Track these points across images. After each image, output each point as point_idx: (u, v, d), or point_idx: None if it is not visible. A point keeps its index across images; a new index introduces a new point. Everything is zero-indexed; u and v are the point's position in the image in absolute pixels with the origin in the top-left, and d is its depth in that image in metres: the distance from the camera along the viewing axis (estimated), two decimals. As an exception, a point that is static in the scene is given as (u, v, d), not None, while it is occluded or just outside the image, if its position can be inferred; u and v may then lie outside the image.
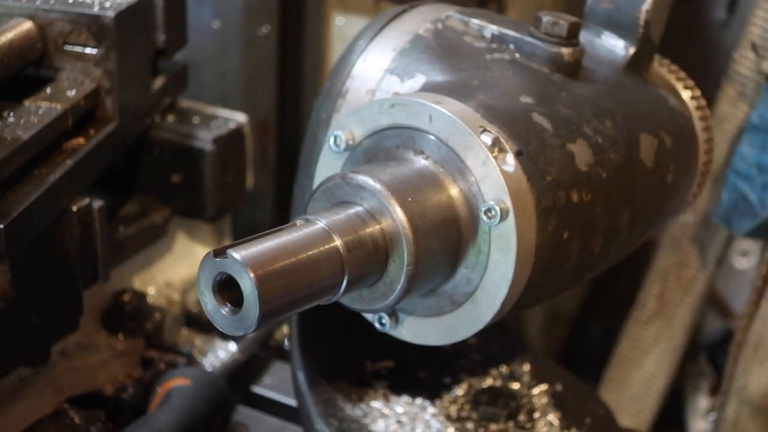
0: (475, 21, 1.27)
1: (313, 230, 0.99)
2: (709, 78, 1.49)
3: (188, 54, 1.68)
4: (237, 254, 0.92)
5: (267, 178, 2.09)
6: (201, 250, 1.76)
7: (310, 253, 0.97)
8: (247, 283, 0.92)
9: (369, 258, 1.02)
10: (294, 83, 2.10)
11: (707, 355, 2.32)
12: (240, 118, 1.70)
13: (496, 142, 1.06)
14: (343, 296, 1.03)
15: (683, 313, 2.16)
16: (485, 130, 1.07)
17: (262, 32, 2.00)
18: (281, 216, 2.12)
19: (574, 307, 2.65)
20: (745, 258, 2.23)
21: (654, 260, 2.20)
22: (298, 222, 1.01)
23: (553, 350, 2.65)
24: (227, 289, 0.95)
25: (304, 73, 2.09)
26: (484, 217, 1.06)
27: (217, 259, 0.93)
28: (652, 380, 2.20)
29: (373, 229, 1.03)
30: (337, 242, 0.99)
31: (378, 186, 1.03)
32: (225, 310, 0.95)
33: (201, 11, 1.99)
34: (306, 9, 2.04)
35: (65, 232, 1.34)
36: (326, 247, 0.99)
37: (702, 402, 2.29)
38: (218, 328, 0.95)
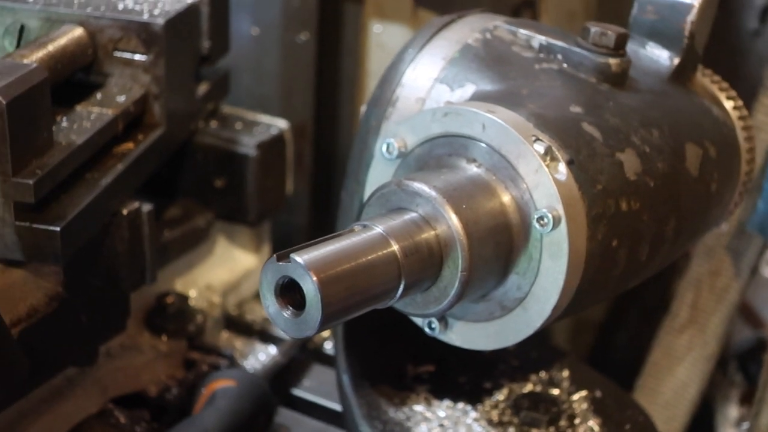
0: (522, 31, 1.28)
1: (371, 235, 1.01)
2: (741, 87, 1.50)
3: (227, 60, 1.70)
4: (300, 258, 0.94)
5: (303, 183, 2.11)
6: (241, 254, 1.78)
7: (369, 257, 0.99)
8: (309, 286, 0.94)
9: (424, 263, 1.04)
10: (331, 89, 2.12)
11: (738, 364, 2.32)
12: (281, 124, 1.72)
13: (548, 151, 1.08)
14: (398, 301, 1.05)
15: (716, 321, 2.17)
16: (538, 138, 1.09)
17: (301, 39, 2.03)
18: (317, 220, 2.14)
19: (601, 315, 2.65)
20: (773, 267, 2.24)
21: (687, 268, 2.21)
22: (356, 227, 1.03)
23: (579, 357, 2.65)
24: (289, 292, 0.97)
25: (341, 80, 2.11)
26: (537, 225, 1.08)
27: (280, 263, 0.95)
28: (685, 388, 2.21)
29: (428, 234, 1.04)
30: (395, 247, 1.01)
31: (433, 193, 1.05)
32: (287, 313, 0.96)
33: (240, 18, 2.01)
34: (344, 17, 2.07)
35: (115, 234, 1.36)
36: (384, 252, 1.00)
37: (732, 411, 2.29)
38: (280, 330, 0.97)
